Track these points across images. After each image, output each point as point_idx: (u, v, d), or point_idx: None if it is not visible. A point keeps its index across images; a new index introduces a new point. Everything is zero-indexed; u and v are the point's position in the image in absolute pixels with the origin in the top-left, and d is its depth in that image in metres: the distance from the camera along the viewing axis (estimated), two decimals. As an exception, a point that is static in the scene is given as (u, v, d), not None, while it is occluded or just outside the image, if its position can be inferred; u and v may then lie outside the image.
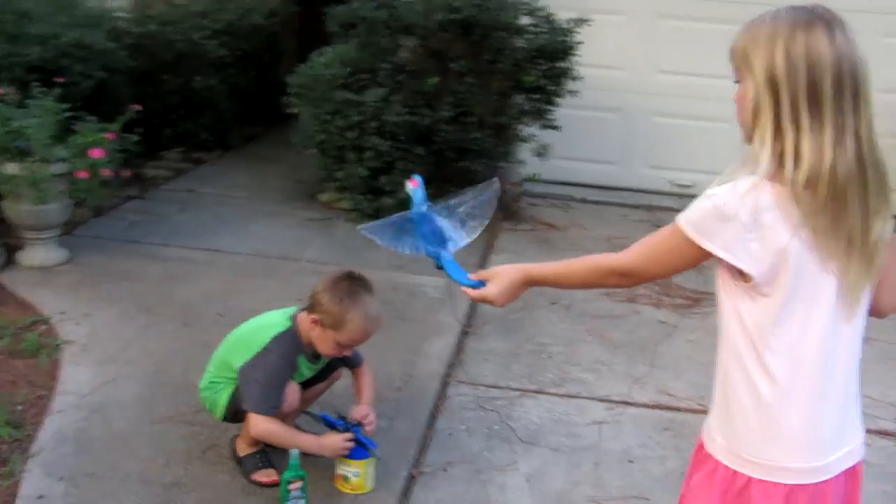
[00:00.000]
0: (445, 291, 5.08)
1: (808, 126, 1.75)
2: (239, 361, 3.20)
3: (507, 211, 6.57)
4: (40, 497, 3.11)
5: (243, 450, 3.34)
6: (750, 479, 1.91)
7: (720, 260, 1.84)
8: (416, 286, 5.13)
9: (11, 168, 4.72)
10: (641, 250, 2.00)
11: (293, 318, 3.25)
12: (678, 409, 4.07)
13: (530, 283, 2.22)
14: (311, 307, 3.17)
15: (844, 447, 1.96)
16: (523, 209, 6.78)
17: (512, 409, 3.98)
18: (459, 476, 3.48)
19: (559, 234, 6.42)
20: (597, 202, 7.14)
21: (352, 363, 3.47)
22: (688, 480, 2.08)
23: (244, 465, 3.31)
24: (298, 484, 3.06)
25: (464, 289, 2.30)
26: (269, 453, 3.37)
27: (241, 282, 5.01)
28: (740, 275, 1.83)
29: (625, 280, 2.07)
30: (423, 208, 2.44)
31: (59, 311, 4.44)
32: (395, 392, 3.96)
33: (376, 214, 6.20)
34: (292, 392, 3.22)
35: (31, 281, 4.79)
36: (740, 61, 1.87)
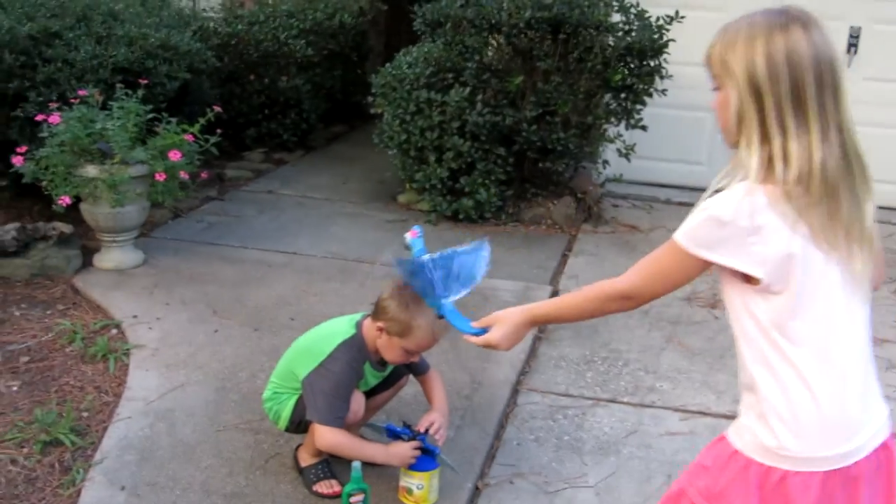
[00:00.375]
0: (521, 296, 4.96)
1: (794, 127, 1.80)
2: (303, 371, 3.13)
3: (589, 213, 6.42)
4: (102, 507, 3.09)
5: (306, 460, 3.28)
6: (786, 473, 1.90)
7: (723, 267, 1.88)
8: (491, 290, 5.02)
9: (91, 170, 4.76)
10: (641, 271, 2.04)
11: (358, 326, 3.18)
12: (761, 421, 3.87)
13: (533, 322, 2.30)
14: (376, 314, 3.09)
15: (872, 425, 1.96)
16: (605, 210, 6.61)
17: (584, 419, 3.84)
18: (526, 489, 3.36)
19: (641, 236, 6.24)
20: (681, 203, 6.91)
21: (418, 370, 3.38)
22: (693, 480, 2.03)
23: (306, 476, 3.26)
24: (360, 497, 2.99)
25: (467, 337, 2.39)
26: (331, 464, 3.31)
27: (315, 285, 4.97)
28: (747, 279, 1.86)
29: (627, 303, 2.09)
30: (424, 258, 2.59)
31: (132, 315, 4.46)
32: (463, 400, 3.86)
33: (454, 216, 6.12)
34: (357, 401, 3.15)
35: (105, 283, 4.83)
36: (719, 69, 1.90)
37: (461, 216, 6.13)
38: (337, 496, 3.18)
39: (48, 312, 4.52)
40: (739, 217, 1.81)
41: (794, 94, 1.80)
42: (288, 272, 5.16)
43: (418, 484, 3.15)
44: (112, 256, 5.00)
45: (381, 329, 3.05)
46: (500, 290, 5.01)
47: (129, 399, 3.74)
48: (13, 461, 3.32)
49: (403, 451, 3.11)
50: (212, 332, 4.35)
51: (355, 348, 3.13)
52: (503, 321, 2.29)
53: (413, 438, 3.15)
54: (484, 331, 2.34)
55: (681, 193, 7.02)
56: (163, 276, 4.97)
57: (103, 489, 3.18)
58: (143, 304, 4.60)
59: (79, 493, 3.17)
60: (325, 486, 3.22)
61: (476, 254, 2.70)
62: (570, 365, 4.30)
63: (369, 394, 3.29)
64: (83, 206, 4.92)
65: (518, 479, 3.41)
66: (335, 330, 3.20)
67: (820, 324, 1.88)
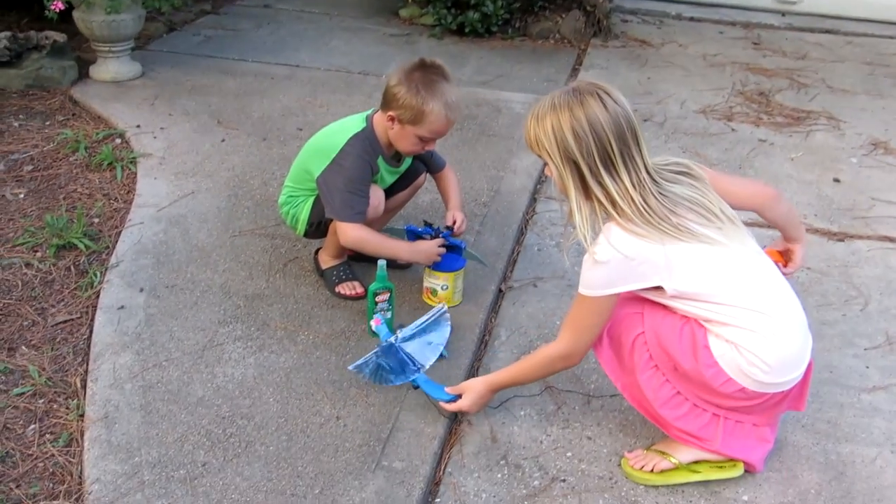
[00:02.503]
0: (530, 108, 4.82)
1: (609, 181, 2.19)
2: (317, 169, 3.01)
3: (598, 27, 6.20)
4: (121, 307, 3.03)
5: (326, 262, 3.21)
6: None
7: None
8: (502, 101, 4.88)
9: (82, -24, 4.52)
10: (569, 331, 2.41)
11: (368, 119, 3.04)
12: (782, 228, 3.82)
13: (494, 390, 2.60)
14: (385, 104, 2.92)
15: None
16: (614, 25, 6.39)
17: (605, 226, 3.77)
18: (550, 291, 3.32)
19: (653, 50, 6.05)
20: (692, 18, 6.70)
21: (434, 167, 3.28)
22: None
23: (327, 278, 3.19)
24: (386, 295, 2.93)
25: (441, 403, 2.61)
26: (352, 266, 3.25)
27: (320, 97, 4.82)
28: (651, 291, 2.30)
29: (569, 361, 2.45)
30: (391, 340, 2.78)
31: (135, 125, 4.31)
32: (481, 207, 3.78)
33: (460, 30, 5.91)
34: (376, 196, 3.03)
35: (104, 95, 4.66)
36: (538, 149, 2.29)
37: (467, 30, 5.92)
38: (360, 297, 3.14)
39: (47, 123, 4.36)
40: (613, 254, 2.20)
41: (603, 155, 2.18)
42: (291, 84, 4.99)
43: (443, 284, 3.10)
44: (109, 67, 4.81)
45: (392, 118, 2.90)
46: (513, 103, 4.86)
47: (139, 206, 3.64)
48: (28, 264, 3.24)
49: (429, 247, 3.04)
50: (219, 141, 4.22)
51: (367, 141, 2.99)
52: (471, 390, 2.57)
53: (436, 236, 3.08)
54: (456, 397, 2.60)
55: (690, 9, 6.80)
56: (163, 87, 4.80)
57: (122, 291, 3.11)
58: (145, 114, 4.45)
59: (97, 294, 3.10)
60: (348, 288, 3.16)
61: (438, 320, 2.93)
62: (587, 174, 4.20)
63: (387, 193, 3.18)
64: (76, 14, 4.69)
65: (541, 283, 3.37)
66: (346, 126, 3.06)
67: (738, 283, 2.28)
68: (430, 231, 3.10)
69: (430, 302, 3.14)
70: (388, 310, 2.96)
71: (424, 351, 2.79)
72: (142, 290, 3.13)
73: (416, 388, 2.69)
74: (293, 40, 5.74)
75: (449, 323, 2.92)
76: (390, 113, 2.89)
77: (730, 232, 2.28)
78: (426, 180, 3.34)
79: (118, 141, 4.18)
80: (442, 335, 2.86)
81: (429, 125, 2.86)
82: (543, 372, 2.54)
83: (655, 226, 2.20)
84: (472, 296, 3.19)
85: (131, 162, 3.96)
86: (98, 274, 3.19)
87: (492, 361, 2.93)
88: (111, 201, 3.69)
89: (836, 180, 4.27)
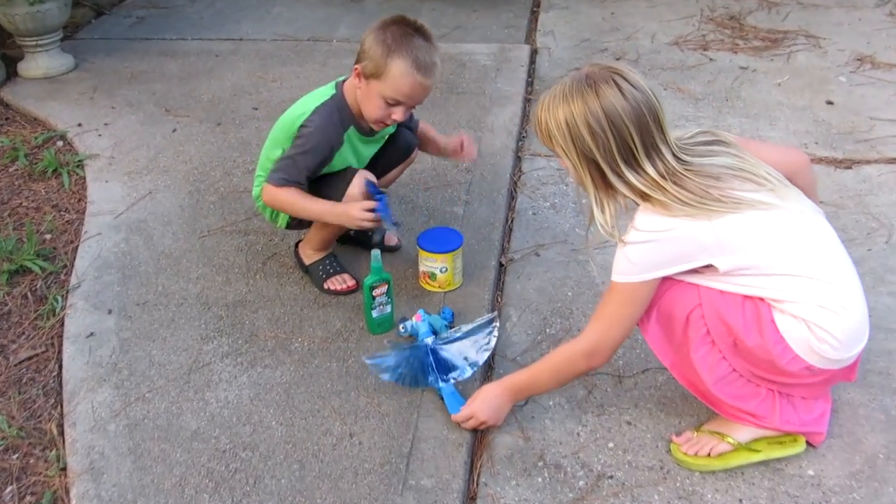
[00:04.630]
0: (500, 58, 4.52)
1: (633, 176, 1.99)
2: (280, 151, 2.71)
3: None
4: (90, 335, 2.73)
5: (310, 256, 2.92)
6: None
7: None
8: (465, 55, 4.57)
9: (-4, -34, 4.13)
10: (597, 325, 2.15)
11: (339, 85, 2.73)
12: (783, 160, 3.58)
13: (514, 396, 2.32)
14: (357, 58, 2.61)
15: None
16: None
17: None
18: (554, 259, 3.06)
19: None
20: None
21: (411, 128, 2.98)
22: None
23: (314, 274, 2.90)
24: (384, 288, 2.65)
25: (455, 417, 2.34)
26: (338, 257, 2.96)
27: (271, 70, 4.48)
28: (700, 270, 2.07)
29: (594, 359, 2.18)
30: (429, 340, 2.53)
31: (75, 124, 3.96)
32: (464, 174, 3.50)
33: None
34: (357, 184, 2.70)
35: (37, 93, 4.29)
36: (549, 142, 2.07)
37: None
38: (352, 291, 2.86)
39: (-22, 132, 3.99)
40: (650, 235, 2.00)
41: (624, 149, 1.98)
42: (238, 60, 4.64)
43: (441, 267, 2.83)
44: (39, 63, 4.43)
45: (358, 75, 2.59)
46: (476, 55, 4.56)
47: (94, 214, 3.31)
48: (-22, 297, 2.92)
49: (352, 209, 2.61)
50: (170, 132, 3.89)
51: (333, 109, 2.67)
52: (487, 399, 2.30)
53: (373, 198, 2.68)
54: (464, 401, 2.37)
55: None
56: (100, 78, 4.43)
57: (89, 315, 2.80)
58: (86, 110, 4.09)
59: (61, 322, 2.79)
60: (338, 282, 2.88)
61: (486, 329, 2.60)
62: (570, 124, 3.93)
63: (376, 170, 2.87)
64: (-5, 8, 4.30)
65: (543, 251, 3.11)
66: (312, 97, 2.74)
67: (799, 251, 2.04)
68: (373, 188, 2.70)
69: (428, 287, 2.87)
70: (387, 303, 2.69)
71: (460, 360, 2.50)
72: (110, 311, 2.82)
73: (442, 399, 2.44)
74: (232, 12, 5.37)
75: (496, 333, 2.62)
76: (356, 66, 2.59)
77: (783, 192, 2.05)
78: (417, 156, 3.04)
79: (60, 143, 3.83)
80: (485, 347, 2.56)
81: (392, 81, 2.54)
82: (565, 373, 2.27)
83: (697, 206, 1.98)
84: (472, 274, 2.93)
85: (78, 166, 3.62)
86: (59, 298, 2.88)
87: (507, 347, 2.67)
88: (62, 213, 3.35)
89: (830, 103, 4.03)
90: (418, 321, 2.60)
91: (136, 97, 4.20)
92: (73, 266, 3.03)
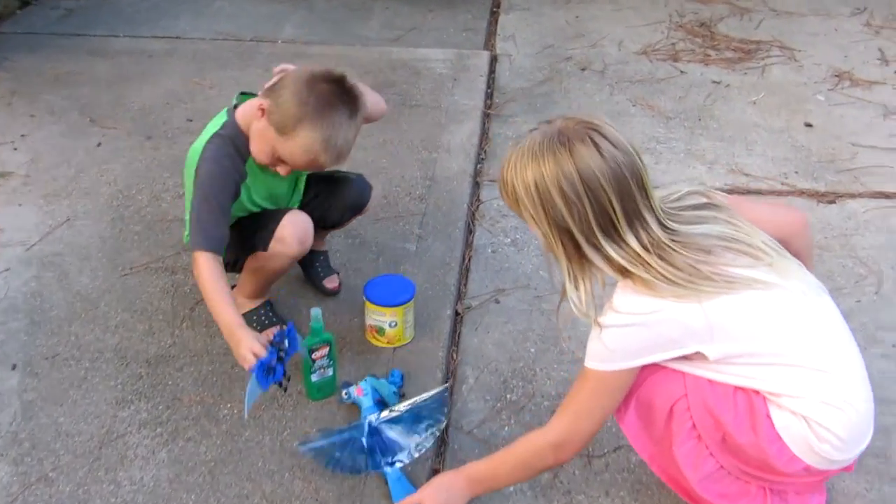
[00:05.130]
0: (457, 66, 4.21)
1: (612, 249, 1.72)
2: (190, 189, 2.37)
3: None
4: (-11, 395, 2.39)
5: (243, 305, 2.60)
6: None
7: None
8: (420, 61, 4.25)
9: None
10: (566, 415, 1.88)
11: (230, 111, 2.37)
12: (760, 192, 3.34)
13: (472, 489, 2.00)
14: (270, 89, 2.25)
15: None
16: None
17: (565, 212, 3.22)
18: (515, 307, 2.78)
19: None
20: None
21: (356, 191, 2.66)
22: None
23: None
24: (325, 350, 2.35)
25: None
26: (275, 306, 2.65)
27: (209, 75, 4.12)
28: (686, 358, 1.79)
29: (562, 453, 1.92)
30: (373, 418, 2.20)
31: (-10, 135, 3.58)
32: (417, 202, 3.19)
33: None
34: (295, 223, 2.40)
35: (-51, 97, 3.89)
36: (516, 206, 1.79)
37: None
38: (290, 346, 2.54)
39: None
40: (630, 318, 1.74)
41: (602, 216, 1.71)
42: (173, 62, 4.27)
43: (391, 321, 2.53)
44: (-48, 61, 4.03)
45: (262, 109, 2.22)
46: (432, 62, 4.24)
47: (3, 245, 2.96)
48: None
49: (241, 346, 2.10)
50: (94, 146, 3.53)
51: (226, 140, 2.31)
52: (438, 487, 2.00)
53: (278, 357, 2.17)
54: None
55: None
56: (21, 79, 4.04)
57: (-12, 373, 2.47)
58: (2, 119, 3.71)
59: (-44, 378, 2.45)
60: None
61: (436, 399, 2.27)
62: (532, 145, 3.63)
63: (318, 220, 2.55)
64: None
65: (503, 296, 2.82)
66: (208, 128, 2.40)
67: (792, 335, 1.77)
68: (277, 336, 2.22)
69: (375, 342, 2.57)
70: (328, 366, 2.38)
71: (406, 441, 2.19)
72: (14, 366, 2.49)
73: (384, 480, 2.14)
74: (170, 5, 4.98)
75: (447, 409, 2.32)
76: (264, 103, 2.22)
77: (782, 267, 1.79)
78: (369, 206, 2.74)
79: (-30, 158, 3.45)
80: (436, 423, 2.24)
81: (291, 146, 2.20)
82: (530, 466, 1.99)
83: (685, 286, 1.71)
84: (424, 325, 2.63)
85: (-12, 185, 3.26)
86: (-45, 350, 2.54)
87: (463, 416, 2.39)
88: (-34, 242, 3.00)
89: (809, 125, 3.79)
90: (360, 395, 2.29)
91: (59, 104, 3.82)
92: (-26, 309, 2.69)
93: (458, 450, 2.31)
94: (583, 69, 4.25)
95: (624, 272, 1.77)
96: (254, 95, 2.38)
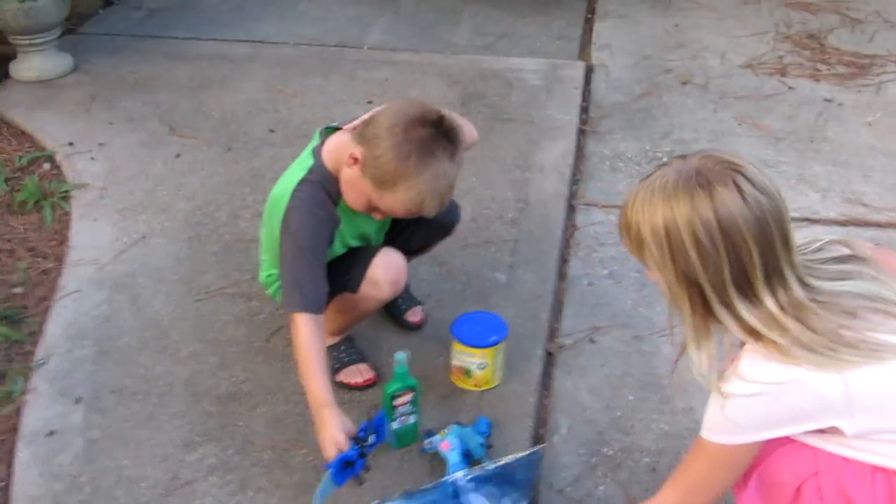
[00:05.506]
0: (550, 77, 3.99)
1: (744, 308, 1.50)
2: (275, 243, 2.18)
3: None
4: (51, 433, 2.27)
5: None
6: None
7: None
8: (512, 71, 4.05)
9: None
10: (677, 488, 1.69)
11: (316, 152, 2.18)
12: (878, 225, 3.07)
13: None
14: (362, 137, 2.04)
15: None
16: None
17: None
18: (612, 347, 2.57)
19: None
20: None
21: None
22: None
23: (325, 361, 2.41)
24: (408, 397, 2.17)
25: None
26: (355, 341, 2.48)
27: (293, 82, 3.96)
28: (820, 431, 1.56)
29: None
30: (460, 474, 2.00)
31: (67, 143, 3.47)
32: (509, 227, 2.99)
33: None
34: (391, 267, 2.24)
35: (28, 101, 3.79)
36: (638, 250, 1.58)
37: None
38: (369, 386, 2.37)
39: (-43, 146, 3.52)
40: (757, 387, 1.51)
41: (738, 271, 1.49)
42: (255, 67, 4.12)
43: (480, 363, 2.34)
44: (32, 64, 3.94)
45: (356, 160, 2.04)
46: (524, 72, 4.03)
47: (75, 264, 2.84)
48: (-76, 373, 2.45)
49: (325, 436, 1.96)
50: (172, 157, 3.39)
51: (317, 186, 2.13)
52: None
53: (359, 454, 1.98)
54: None
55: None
56: (100, 84, 3.93)
57: (52, 404, 2.34)
58: (80, 126, 3.60)
59: (18, 411, 2.33)
60: (354, 374, 2.40)
61: (527, 463, 2.08)
62: (630, 165, 3.41)
63: (405, 247, 2.38)
64: (-16, 3, 3.81)
65: (599, 335, 2.61)
66: (289, 173, 2.22)
67: None
68: (362, 432, 2.02)
69: (461, 384, 2.39)
70: (411, 413, 2.20)
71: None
72: (79, 400, 2.36)
73: None
74: (254, 7, 4.84)
75: (538, 468, 2.13)
76: (357, 152, 2.03)
77: None
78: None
79: (47, 166, 3.35)
80: (525, 491, 2.06)
81: (390, 201, 2.04)
82: None
83: (825, 353, 1.48)
84: (514, 366, 2.43)
85: (63, 197, 3.14)
86: (20, 380, 2.41)
87: (554, 472, 2.19)
88: (38, 259, 2.88)
89: (932, 150, 3.49)
90: (446, 450, 2.10)
91: (138, 110, 3.70)
92: (42, 334, 2.57)
93: (550, 512, 2.12)
94: (684, 83, 4.00)
95: (754, 334, 1.54)
96: (336, 129, 2.20)
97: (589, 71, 4.11)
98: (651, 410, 2.36)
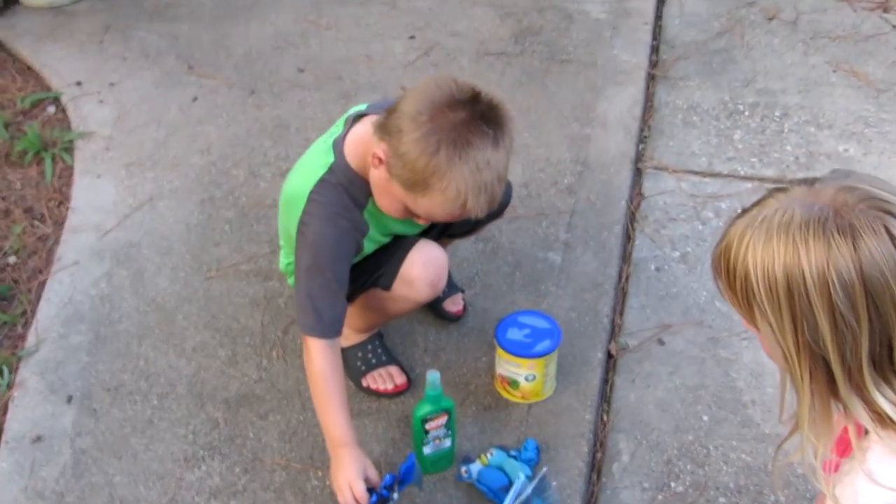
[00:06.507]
0: (616, 10, 3.54)
1: (879, 392, 1.14)
2: (294, 228, 1.81)
3: None
4: (37, 439, 1.99)
5: (347, 337, 2.09)
6: None
7: None
8: (573, 3, 3.59)
9: None
10: None
11: (337, 146, 1.80)
12: None
13: None
14: (383, 129, 1.66)
15: None
16: None
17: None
18: (685, 350, 2.21)
19: None
20: None
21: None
22: None
23: (349, 363, 2.09)
24: (442, 420, 1.84)
25: None
26: (384, 339, 2.14)
27: (326, 12, 3.54)
28: None
29: None
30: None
31: (75, 82, 3.12)
32: (565, 196, 2.61)
33: None
34: (425, 264, 1.90)
35: (37, 30, 3.42)
36: (740, 302, 1.21)
37: None
38: (400, 393, 2.05)
39: (-45, 82, 3.19)
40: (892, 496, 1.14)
41: (880, 343, 1.11)
42: (287, -7, 3.71)
43: (528, 375, 2.00)
44: (42, -12, 3.56)
45: (379, 160, 1.68)
46: (587, 3, 3.56)
47: (74, 230, 2.53)
48: None
49: (345, 479, 1.71)
50: (188, 101, 3.03)
51: (338, 188, 1.77)
52: None
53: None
54: None
55: None
56: (116, 12, 3.54)
57: (40, 403, 2.08)
58: (91, 61, 3.24)
59: (4, 409, 2.04)
60: (382, 379, 2.07)
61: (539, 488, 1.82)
62: (707, 120, 2.98)
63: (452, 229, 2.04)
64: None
65: (669, 335, 2.24)
66: (309, 162, 1.85)
67: None
68: (385, 492, 1.74)
69: (507, 395, 2.05)
70: (446, 436, 1.88)
71: None
72: (70, 399, 2.07)
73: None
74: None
75: (547, 495, 1.80)
76: (380, 150, 1.66)
77: None
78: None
79: (51, 110, 3.01)
80: None
81: (426, 205, 1.67)
82: None
83: None
84: (568, 371, 2.10)
85: (66, 149, 2.81)
86: (6, 369, 2.12)
87: (614, 513, 1.86)
88: (35, 222, 2.57)
89: None
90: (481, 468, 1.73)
91: (154, 43, 3.33)
92: (34, 315, 2.27)
93: (606, 562, 1.79)
94: (770, 18, 3.53)
95: (883, 422, 1.18)
96: (363, 115, 1.82)
97: (660, 2, 3.64)
98: (730, 435, 2.01)
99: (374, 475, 1.71)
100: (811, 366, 1.17)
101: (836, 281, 1.10)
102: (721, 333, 2.23)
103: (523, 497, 1.71)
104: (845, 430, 1.23)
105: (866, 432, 1.20)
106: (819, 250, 1.11)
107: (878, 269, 1.09)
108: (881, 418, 1.17)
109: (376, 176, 1.71)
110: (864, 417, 1.18)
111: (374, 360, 2.08)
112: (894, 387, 1.16)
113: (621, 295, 2.35)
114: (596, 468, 1.96)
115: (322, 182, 1.75)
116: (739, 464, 1.95)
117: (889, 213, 1.11)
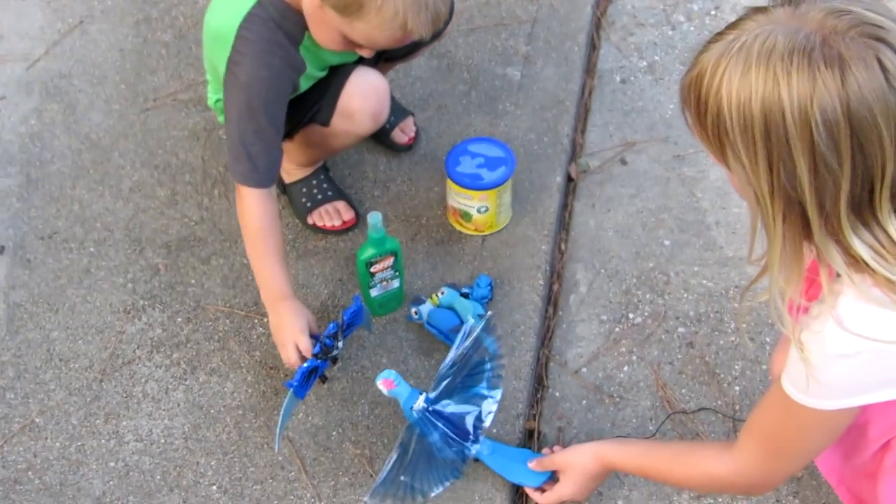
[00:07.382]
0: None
1: (855, 234, 1.04)
2: (221, 65, 1.65)
3: None
4: (-30, 293, 1.90)
5: (291, 173, 1.98)
6: None
7: None
8: None
9: None
10: (763, 450, 1.30)
11: None
12: None
13: (610, 470, 1.56)
14: None
15: None
16: None
17: (714, 19, 2.42)
18: (648, 170, 2.11)
19: None
20: None
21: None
22: None
23: (294, 199, 1.99)
24: (388, 261, 1.75)
25: (529, 491, 1.63)
26: (329, 171, 2.03)
27: None
28: None
29: (752, 490, 1.50)
30: (420, 403, 1.56)
31: None
32: (526, 2, 2.42)
33: None
34: (364, 94, 1.76)
35: None
36: (711, 139, 1.07)
37: None
38: (349, 229, 1.96)
39: None
40: (861, 343, 1.07)
41: (861, 183, 1.00)
42: None
43: (480, 206, 1.89)
44: None
45: None
46: None
47: (1, 60, 2.36)
48: None
49: (289, 335, 1.60)
50: None
51: (269, 23, 1.60)
52: (574, 470, 1.55)
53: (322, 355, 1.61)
54: (549, 475, 1.61)
55: None
56: None
57: (-32, 263, 1.97)
58: None
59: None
60: (329, 215, 1.97)
61: (476, 341, 1.62)
62: None
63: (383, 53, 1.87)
64: None
65: (633, 154, 2.13)
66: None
67: None
68: (329, 342, 1.62)
69: (459, 228, 1.96)
70: (393, 278, 1.79)
71: (473, 404, 1.62)
72: (2, 249, 1.97)
73: (476, 460, 1.62)
74: None
75: (495, 336, 1.68)
76: None
77: None
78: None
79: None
80: (492, 368, 1.66)
81: (365, 30, 1.51)
82: (696, 487, 1.60)
83: None
84: (525, 197, 2.00)
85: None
86: (-68, 223, 2.02)
87: (568, 346, 1.83)
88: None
89: None
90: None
91: None
92: (-40, 159, 2.15)
93: (561, 398, 1.75)
94: None
95: (857, 266, 1.08)
96: None
97: None
98: (691, 260, 1.93)
99: (316, 328, 1.63)
100: (785, 209, 1.04)
101: (818, 120, 0.96)
102: (687, 150, 2.11)
103: (473, 336, 1.64)
104: (816, 272, 1.13)
105: (838, 275, 1.10)
106: (802, 85, 0.96)
107: (867, 106, 0.95)
108: (856, 262, 1.07)
109: (308, 4, 1.54)
110: (838, 261, 1.07)
111: (319, 196, 1.97)
112: (872, 230, 1.04)
113: (584, 112, 2.22)
114: (552, 301, 1.89)
115: (251, 16, 1.58)
116: (700, 290, 1.88)
117: (882, 40, 0.96)
